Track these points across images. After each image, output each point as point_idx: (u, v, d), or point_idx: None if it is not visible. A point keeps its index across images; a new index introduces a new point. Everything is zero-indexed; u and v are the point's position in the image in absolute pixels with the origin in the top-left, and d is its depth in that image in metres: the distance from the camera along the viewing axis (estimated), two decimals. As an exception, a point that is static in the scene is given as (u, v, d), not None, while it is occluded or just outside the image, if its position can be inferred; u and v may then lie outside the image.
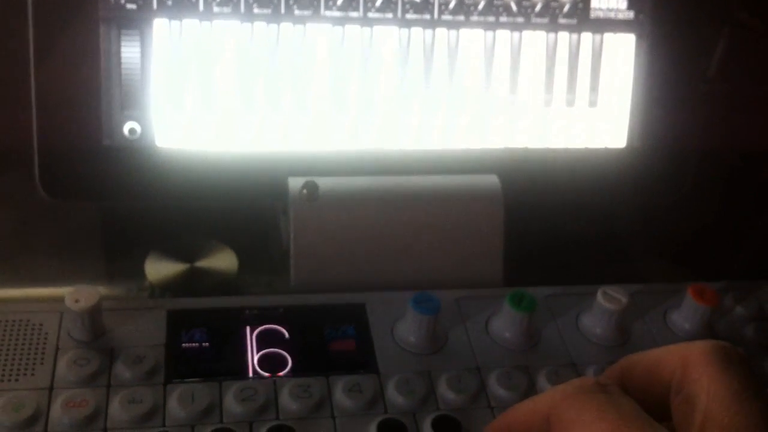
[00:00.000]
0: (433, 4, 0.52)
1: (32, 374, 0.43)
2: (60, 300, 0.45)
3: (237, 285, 0.53)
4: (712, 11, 0.56)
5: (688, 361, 0.30)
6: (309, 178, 0.51)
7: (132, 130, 0.51)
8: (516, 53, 0.54)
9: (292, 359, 0.45)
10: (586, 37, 0.55)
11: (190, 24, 0.51)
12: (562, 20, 0.54)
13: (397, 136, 0.54)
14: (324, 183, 0.51)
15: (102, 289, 0.45)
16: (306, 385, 0.43)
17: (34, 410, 0.41)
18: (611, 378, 0.32)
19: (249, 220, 0.55)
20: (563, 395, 0.30)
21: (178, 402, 0.42)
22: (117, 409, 0.41)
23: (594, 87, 0.55)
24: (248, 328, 0.47)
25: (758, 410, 0.28)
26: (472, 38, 0.53)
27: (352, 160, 0.53)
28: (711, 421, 0.28)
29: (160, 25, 0.50)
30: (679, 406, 0.30)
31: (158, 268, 0.53)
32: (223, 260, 0.54)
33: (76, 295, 0.44)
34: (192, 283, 0.52)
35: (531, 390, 0.45)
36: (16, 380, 0.43)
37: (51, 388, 0.42)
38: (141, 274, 0.52)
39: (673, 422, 0.30)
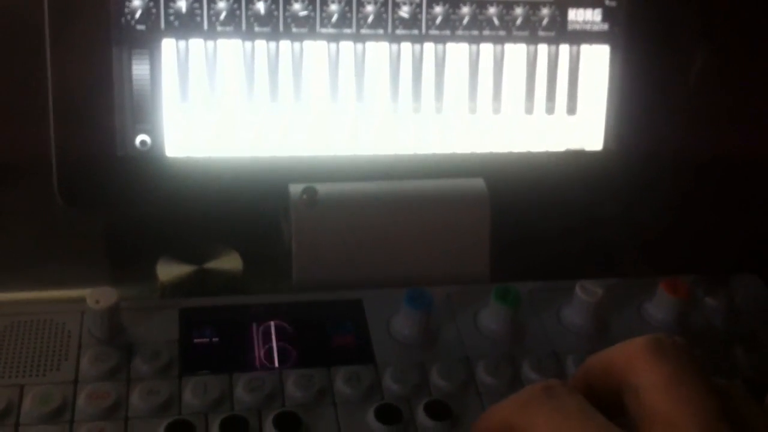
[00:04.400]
0: (420, 20, 0.55)
1: (57, 369, 0.45)
2: (80, 301, 0.47)
3: (243, 284, 0.54)
4: (681, 24, 0.58)
5: (631, 357, 0.32)
6: (308, 184, 0.53)
7: (143, 142, 0.54)
8: (499, 65, 0.57)
9: (295, 352, 0.48)
10: (564, 48, 0.57)
11: (195, 43, 0.54)
12: (541, 33, 0.57)
13: (390, 143, 0.57)
14: (323, 188, 0.53)
15: (116, 291, 0.47)
16: (309, 376, 0.46)
17: (61, 402, 0.43)
18: (577, 382, 0.34)
19: (253, 223, 0.56)
20: (516, 405, 0.33)
21: (192, 393, 0.44)
22: (137, 400, 0.44)
23: (572, 95, 0.58)
24: (255, 324, 0.49)
25: (688, 396, 0.30)
26: (458, 51, 0.56)
27: (349, 166, 0.56)
28: (653, 410, 0.30)
29: (167, 45, 0.53)
30: (630, 402, 0.32)
31: (169, 270, 0.54)
32: (229, 262, 0.56)
33: (96, 296, 0.47)
34: (201, 283, 0.54)
35: (516, 378, 0.47)
36: (44, 375, 0.45)
37: (75, 382, 0.45)
38: (153, 275, 0.54)
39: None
